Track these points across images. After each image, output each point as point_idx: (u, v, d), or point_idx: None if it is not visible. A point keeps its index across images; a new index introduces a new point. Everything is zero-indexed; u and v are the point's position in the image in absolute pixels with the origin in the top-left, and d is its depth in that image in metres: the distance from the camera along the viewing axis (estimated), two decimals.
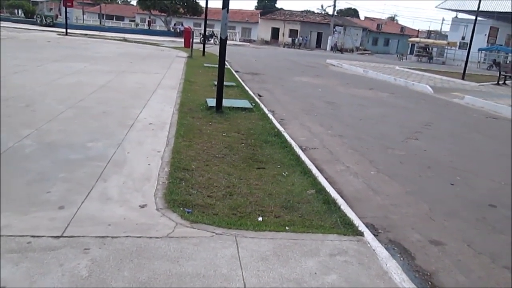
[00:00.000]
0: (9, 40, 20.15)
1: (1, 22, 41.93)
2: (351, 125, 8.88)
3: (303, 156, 5.76)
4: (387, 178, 5.71)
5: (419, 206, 4.83)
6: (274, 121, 7.76)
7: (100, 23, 57.41)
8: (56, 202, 3.70)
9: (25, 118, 6.34)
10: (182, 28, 44.01)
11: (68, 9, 31.61)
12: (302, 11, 64.81)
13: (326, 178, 5.13)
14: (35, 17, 45.65)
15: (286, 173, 5.04)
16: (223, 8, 7.47)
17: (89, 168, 4.52)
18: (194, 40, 20.68)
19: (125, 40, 27.91)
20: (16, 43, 19.13)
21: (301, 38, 55.53)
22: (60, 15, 47.76)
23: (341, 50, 51.21)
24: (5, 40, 20.21)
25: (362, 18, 78.69)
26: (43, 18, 42.72)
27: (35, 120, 6.23)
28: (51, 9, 60.61)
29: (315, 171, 5.23)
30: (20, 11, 65.72)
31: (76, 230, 3.26)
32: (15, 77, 9.77)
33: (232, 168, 4.99)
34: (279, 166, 5.26)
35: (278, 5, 78.46)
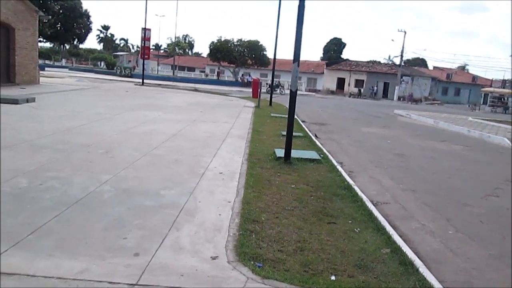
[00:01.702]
0: (93, 90, 21.85)
1: (86, 72, 45.76)
2: (423, 179, 8.49)
3: (375, 212, 5.55)
4: (467, 238, 5.33)
5: (505, 273, 4.42)
6: (343, 174, 7.61)
7: (173, 73, 60.81)
8: (131, 248, 3.79)
9: (104, 164, 6.71)
10: (249, 79, 45.50)
11: (144, 61, 33.87)
12: (368, 62, 64.90)
13: (400, 236, 4.88)
14: (115, 68, 49.40)
15: (358, 229, 4.86)
16: (294, 61, 7.64)
17: (163, 216, 4.63)
18: (261, 90, 21.23)
19: (196, 90, 29.26)
20: (98, 92, 20.66)
21: (368, 88, 55.28)
22: (137, 66, 51.27)
23: (415, 100, 50.14)
24: (89, 89, 21.94)
25: (430, 67, 77.20)
26: (122, 70, 46.07)
27: (113, 166, 6.56)
28: (129, 61, 64.98)
29: (388, 228, 5.00)
30: (102, 63, 71.50)
31: (150, 279, 3.30)
32: (95, 125, 10.46)
33: (302, 222, 4.89)
34: (350, 222, 5.09)
35: (344, 55, 79.18)
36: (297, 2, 7.56)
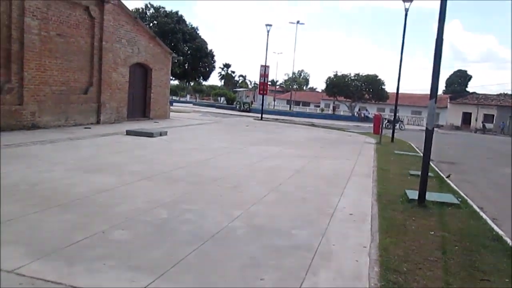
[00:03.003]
0: (216, 124, 23.06)
1: (208, 107, 48.76)
2: None
3: None
4: None
5: None
6: (489, 222, 6.78)
7: (290, 108, 61.98)
8: None
9: (234, 199, 6.83)
10: (367, 114, 44.48)
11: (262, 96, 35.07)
12: (498, 95, 59.55)
13: None
14: (235, 103, 51.90)
15: None
16: (430, 98, 7.16)
17: (297, 258, 4.48)
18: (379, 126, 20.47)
19: (313, 125, 29.32)
20: (221, 127, 21.73)
21: (498, 123, 50.48)
22: (255, 101, 53.26)
23: None
24: (213, 124, 23.20)
25: None
26: (242, 104, 48.19)
27: (242, 201, 6.65)
28: (247, 96, 67.74)
29: None
30: (222, 99, 75.77)
31: None
32: (221, 159, 10.86)
33: (449, 276, 4.37)
34: (507, 280, 4.43)
35: (470, 89, 73.78)
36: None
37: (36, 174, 7.53)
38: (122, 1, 18.10)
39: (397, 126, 36.80)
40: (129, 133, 14.29)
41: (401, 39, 22.72)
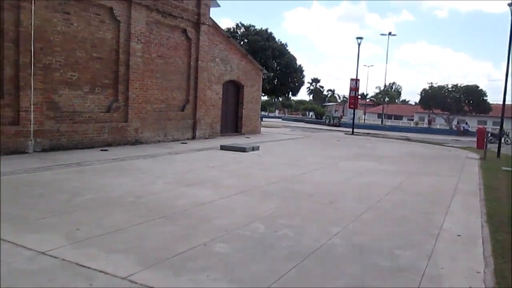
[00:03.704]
0: (306, 139, 22.96)
1: (297, 122, 48.89)
2: None
3: None
4: None
5: None
6: None
7: (382, 122, 60.01)
8: None
9: (331, 215, 6.67)
10: (466, 127, 41.57)
11: (353, 110, 34.31)
12: None
13: None
14: (324, 118, 51.43)
15: None
16: None
17: (403, 280, 4.21)
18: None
19: (407, 139, 28.03)
20: (312, 141, 21.56)
21: None
22: (344, 115, 52.33)
23: None
24: (303, 138, 23.13)
25: None
26: (331, 119, 47.60)
27: (340, 218, 6.46)
28: (336, 110, 66.91)
29: None
30: (311, 113, 75.57)
31: None
32: (315, 174, 10.72)
33: None
34: None
35: None
36: None
37: (140, 186, 7.99)
38: (216, 22, 18.92)
39: (503, 140, 33.92)
40: (223, 148, 14.73)
41: (506, 46, 20.90)
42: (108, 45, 13.50)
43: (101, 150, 12.57)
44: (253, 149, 14.86)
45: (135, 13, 14.08)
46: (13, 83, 10.70)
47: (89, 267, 4.05)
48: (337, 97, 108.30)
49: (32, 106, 11.07)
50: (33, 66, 11.02)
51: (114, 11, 13.43)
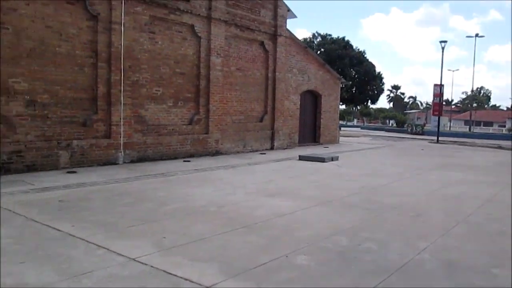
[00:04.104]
0: (387, 148, 22.15)
1: (377, 131, 47.45)
2: None
3: None
4: None
5: None
6: None
7: (469, 129, 56.36)
8: None
9: (417, 229, 6.33)
10: None
11: (436, 117, 32.58)
12: None
13: None
14: (405, 126, 49.43)
15: None
16: None
17: None
18: None
19: (499, 147, 26.01)
20: (394, 151, 20.76)
21: None
22: (427, 123, 49.92)
23: None
24: (384, 148, 22.35)
25: None
26: (413, 127, 45.57)
27: (427, 232, 6.11)
28: (418, 118, 64.26)
29: None
30: (391, 121, 72.99)
31: None
32: (398, 185, 10.29)
33: None
34: None
35: None
36: None
37: (221, 196, 8.18)
38: (293, 33, 19.02)
39: None
40: (301, 158, 14.67)
41: None
42: (190, 61, 14.10)
43: (184, 161, 13.09)
44: (332, 159, 14.62)
45: (215, 29, 14.59)
46: (105, 99, 11.55)
47: (175, 275, 4.19)
48: (419, 104, 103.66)
49: (122, 120, 11.86)
50: (123, 83, 11.83)
51: (195, 28, 14.02)
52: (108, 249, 4.86)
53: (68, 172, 10.16)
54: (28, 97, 10.11)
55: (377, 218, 6.91)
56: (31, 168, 10.02)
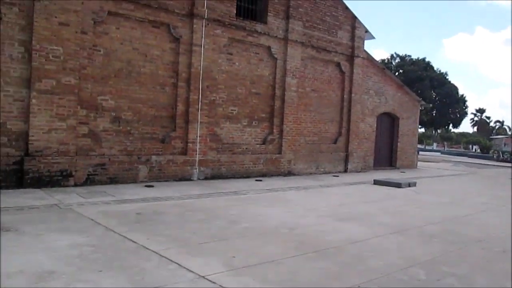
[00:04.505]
0: (471, 175, 20.76)
1: (458, 156, 44.75)
2: None
3: None
4: None
5: None
6: None
7: None
8: None
9: (506, 266, 5.77)
10: None
11: None
12: None
13: None
14: (491, 152, 46.16)
15: None
16: None
17: None
18: None
19: None
20: (478, 179, 19.39)
21: None
22: None
23: None
24: (467, 175, 20.96)
25: None
26: (500, 154, 42.41)
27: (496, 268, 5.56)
28: (505, 144, 59.87)
29: None
30: (475, 147, 68.55)
31: None
32: (482, 216, 9.54)
33: None
34: None
35: None
36: None
37: (292, 218, 8.07)
38: (370, 54, 18.66)
39: None
40: (376, 182, 14.16)
41: None
42: (266, 81, 14.30)
43: (256, 180, 13.16)
44: (409, 185, 13.95)
45: (291, 50, 14.70)
46: (183, 117, 12.01)
47: None
48: (507, 129, 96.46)
49: (198, 138, 12.25)
50: (200, 102, 12.25)
51: (272, 50, 14.22)
52: (179, 265, 4.95)
53: (146, 186, 10.62)
54: (114, 114, 10.80)
55: (459, 251, 6.41)
56: (113, 180, 10.60)
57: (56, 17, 9.57)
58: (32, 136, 9.41)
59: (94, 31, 10.30)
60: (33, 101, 9.38)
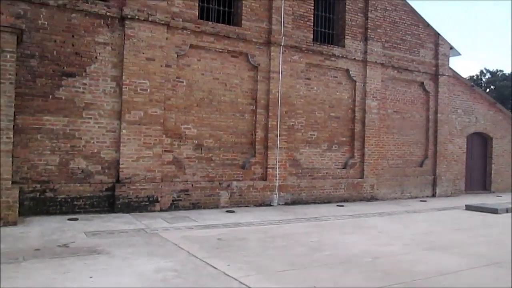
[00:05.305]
0: None
1: None
2: None
3: None
4: None
5: None
6: None
7: None
8: None
9: None
10: None
11: None
12: None
13: None
14: None
15: None
16: None
17: None
18: None
19: None
20: None
21: None
22: None
23: None
24: None
25: None
26: None
27: None
28: None
29: None
30: None
31: None
32: None
33: None
34: None
35: None
36: None
37: (376, 246, 7.70)
38: (456, 71, 17.66)
39: None
40: (468, 208, 13.14)
41: None
42: (345, 104, 14.07)
43: (337, 205, 12.85)
44: (507, 210, 12.76)
45: (371, 72, 14.37)
46: (263, 143, 12.16)
47: None
48: None
49: (277, 163, 12.29)
50: (279, 128, 12.34)
51: (351, 72, 14.02)
52: None
53: (227, 211, 10.80)
54: (196, 142, 11.23)
55: None
56: (196, 205, 10.94)
57: (143, 53, 10.28)
58: (123, 164, 10.07)
59: (177, 64, 10.90)
60: (123, 131, 10.07)
